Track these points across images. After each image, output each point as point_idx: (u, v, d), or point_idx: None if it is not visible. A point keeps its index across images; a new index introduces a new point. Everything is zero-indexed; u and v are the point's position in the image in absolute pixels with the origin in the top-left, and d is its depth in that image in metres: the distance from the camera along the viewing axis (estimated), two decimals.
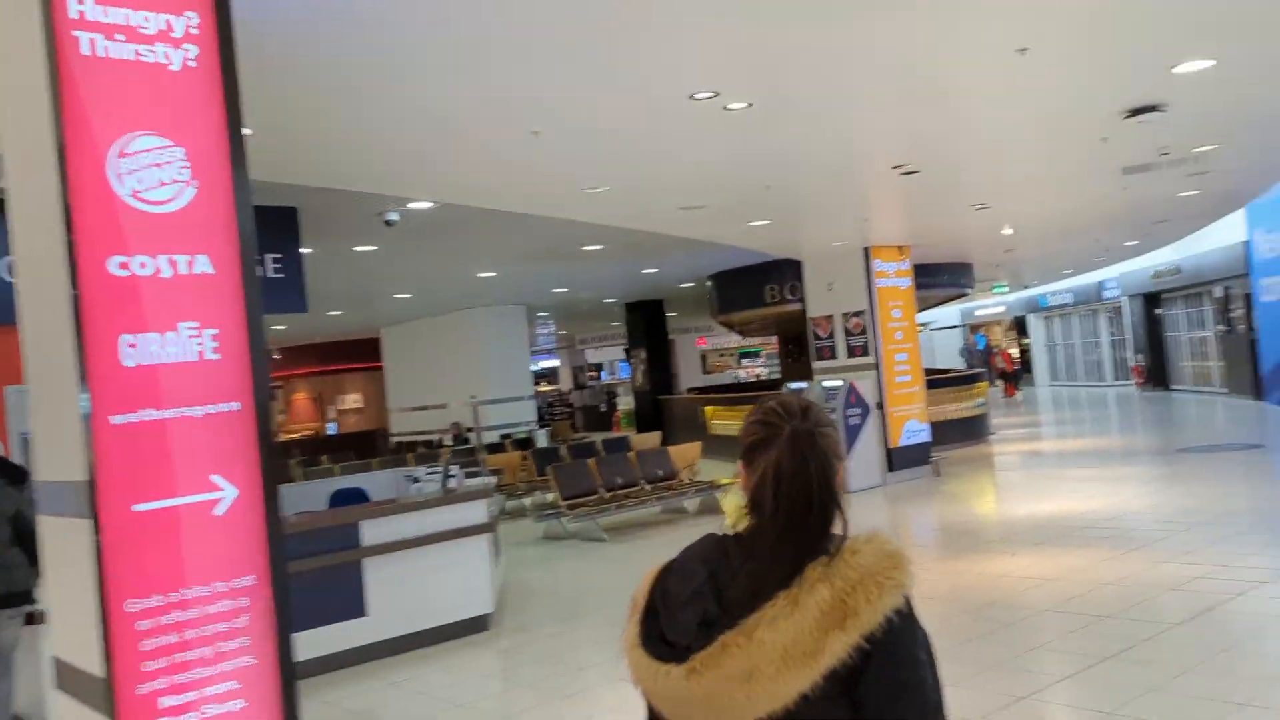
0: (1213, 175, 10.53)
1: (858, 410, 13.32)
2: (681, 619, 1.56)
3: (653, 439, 16.09)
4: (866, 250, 13.66)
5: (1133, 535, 8.70)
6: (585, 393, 38.56)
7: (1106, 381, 30.70)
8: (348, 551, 6.70)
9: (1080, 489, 11.80)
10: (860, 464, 13.20)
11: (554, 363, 43.86)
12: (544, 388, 43.76)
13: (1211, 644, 5.68)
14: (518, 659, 7.01)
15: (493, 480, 8.98)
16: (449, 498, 7.38)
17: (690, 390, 25.28)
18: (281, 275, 8.21)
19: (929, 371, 22.88)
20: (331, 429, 27.14)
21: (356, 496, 8.42)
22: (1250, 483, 11.49)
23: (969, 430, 17.42)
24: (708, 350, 38.02)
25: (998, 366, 32.84)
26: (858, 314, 13.83)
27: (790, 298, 16.20)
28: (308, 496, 8.43)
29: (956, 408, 17.17)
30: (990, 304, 36.38)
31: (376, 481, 9.21)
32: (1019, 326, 36.49)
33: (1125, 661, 5.44)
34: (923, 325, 41.29)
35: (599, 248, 12.95)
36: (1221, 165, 10.00)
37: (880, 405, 13.61)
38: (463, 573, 7.26)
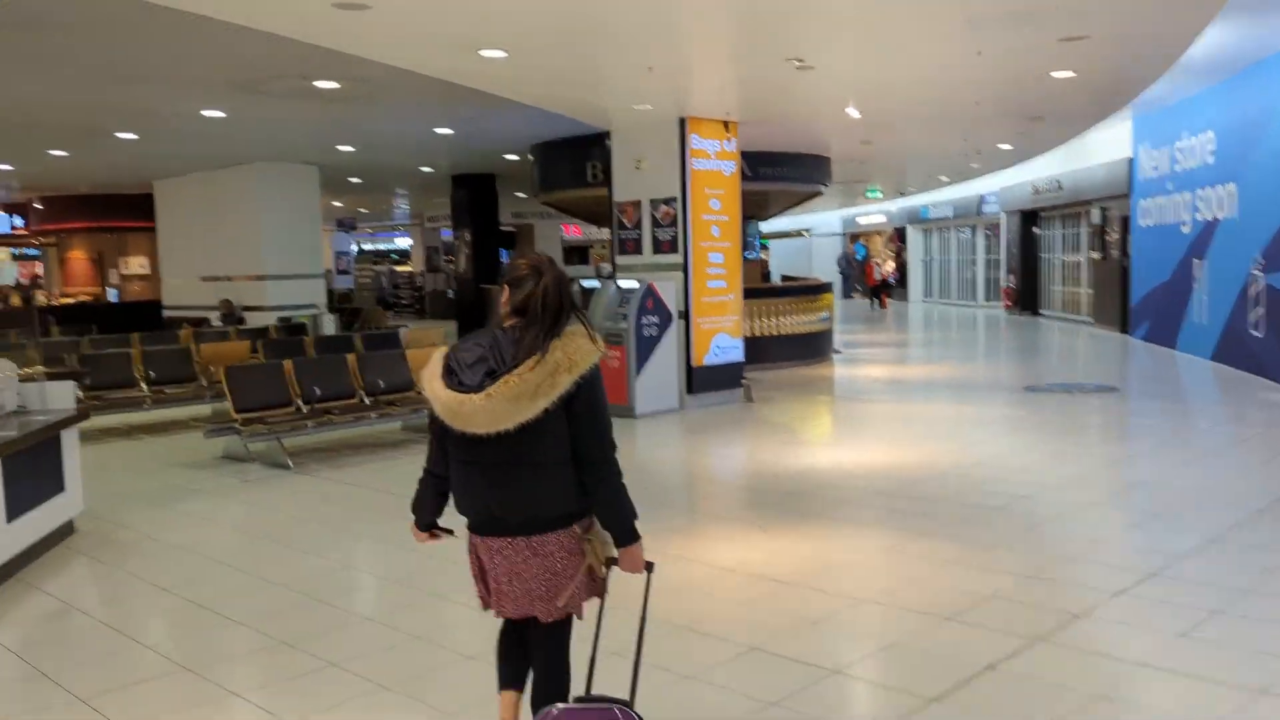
0: (1091, 48, 8.22)
1: (654, 319, 10.93)
2: (473, 370, 2.70)
3: (432, 335, 13.45)
4: (682, 122, 11.08)
5: (923, 511, 6.58)
6: (438, 276, 35.31)
7: (978, 302, 29.20)
8: None
9: (899, 431, 9.72)
10: (651, 384, 10.88)
11: (407, 242, 40.54)
12: (403, 269, 40.53)
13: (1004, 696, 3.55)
14: None
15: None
16: None
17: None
18: None
19: (785, 280, 20.91)
20: (113, 296, 23.67)
21: None
22: (1090, 437, 9.58)
23: (808, 348, 15.30)
24: (584, 241, 35.12)
25: (873, 278, 31.06)
26: (668, 201, 11.32)
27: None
28: None
29: (794, 321, 15.00)
30: (872, 210, 34.44)
31: None
32: (900, 237, 34.73)
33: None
34: (805, 230, 39.60)
35: (332, 84, 10.05)
36: (1103, 30, 7.68)
37: (685, 314, 11.24)
38: None
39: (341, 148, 15.35)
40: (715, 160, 11.39)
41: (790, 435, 9.93)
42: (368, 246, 44.34)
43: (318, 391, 8.99)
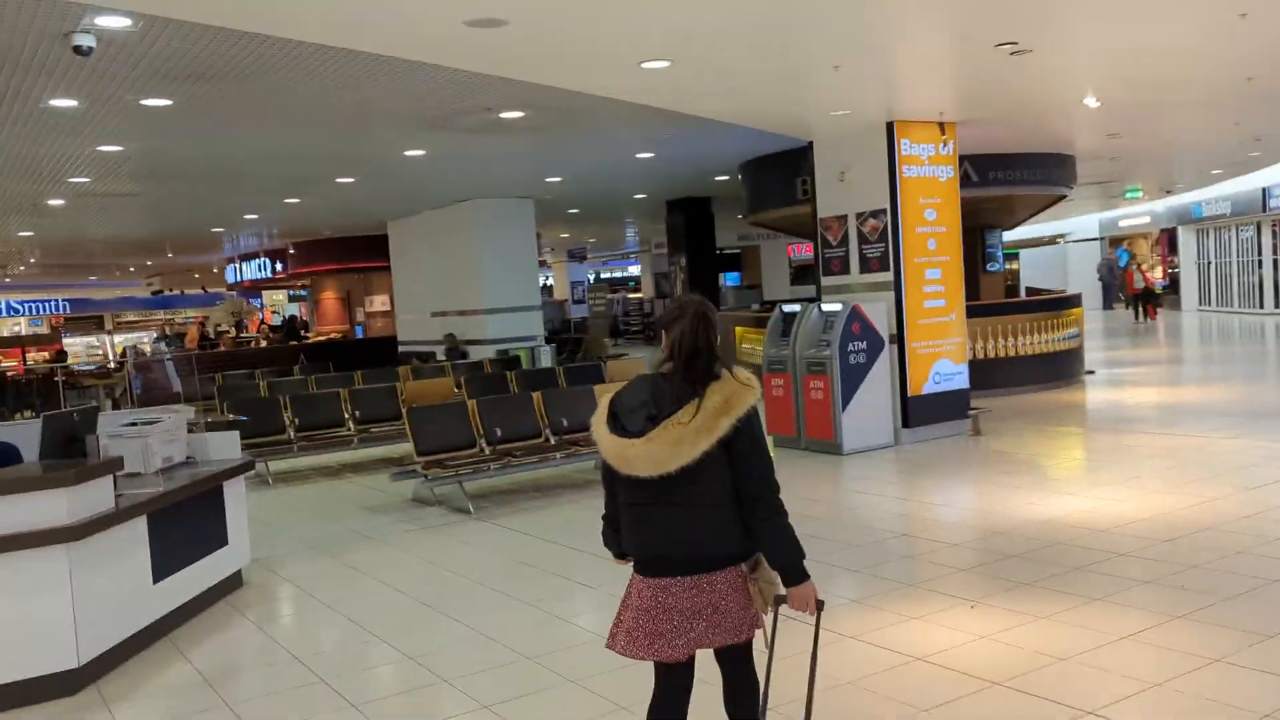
0: None
1: (862, 345, 9.87)
2: (634, 415, 2.78)
3: (638, 367, 12.98)
4: (890, 126, 10.00)
5: (1197, 583, 5.24)
6: (666, 302, 35.30)
7: (1266, 309, 25.59)
8: None
9: (1167, 472, 8.14)
10: (861, 418, 9.82)
11: (636, 269, 40.82)
12: (635, 295, 40.86)
13: None
14: None
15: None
16: (4, 481, 4.60)
17: (739, 306, 21.91)
18: None
19: (1032, 293, 18.81)
20: (359, 332, 25.03)
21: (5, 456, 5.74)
22: None
23: (1052, 369, 13.63)
24: (808, 260, 34.01)
25: (1134, 286, 27.97)
26: (875, 214, 10.25)
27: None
28: None
29: (1036, 339, 13.38)
30: (1136, 212, 31.13)
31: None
32: (1170, 241, 31.16)
33: None
34: (1059, 236, 36.42)
35: (518, 114, 9.77)
36: None
37: (898, 339, 10.11)
38: (22, 611, 4.51)
39: (549, 179, 15.27)
40: (929, 166, 10.21)
41: (1025, 477, 8.57)
42: (606, 275, 45.29)
43: (498, 432, 8.63)
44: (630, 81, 7.59)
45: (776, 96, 8.95)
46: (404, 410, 8.57)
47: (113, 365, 22.33)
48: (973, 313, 11.72)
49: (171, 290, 40.91)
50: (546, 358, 17.13)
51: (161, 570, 5.43)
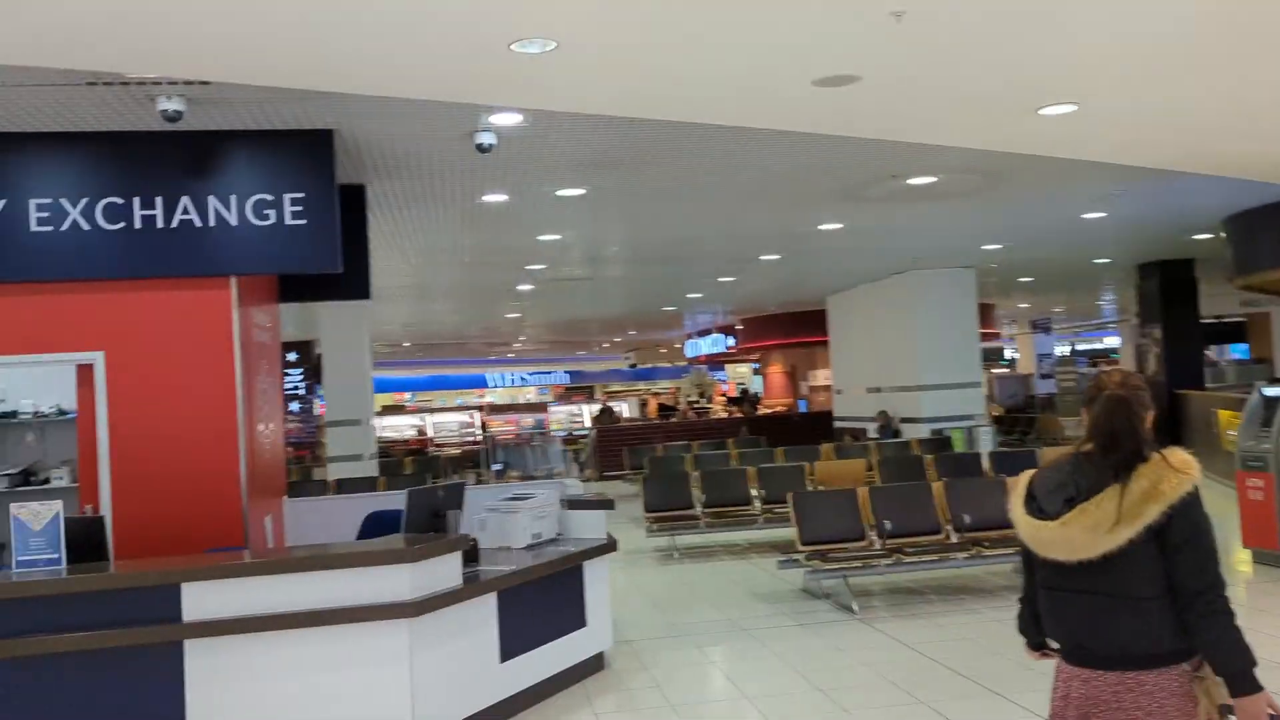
0: None
1: None
2: (1053, 497, 2.67)
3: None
4: None
5: None
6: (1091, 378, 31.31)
7: None
8: (156, 626, 4.59)
9: None
10: None
11: (1115, 340, 36.65)
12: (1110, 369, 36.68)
13: None
14: None
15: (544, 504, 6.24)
16: (348, 555, 4.90)
17: (1239, 383, 18.57)
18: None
19: None
20: (802, 406, 25.07)
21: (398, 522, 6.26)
22: None
23: None
24: None
25: None
26: None
27: None
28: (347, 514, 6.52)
29: None
30: None
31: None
32: None
33: None
34: None
35: (929, 180, 9.06)
36: None
37: None
38: (362, 682, 4.75)
39: (986, 247, 14.14)
40: None
41: None
42: (1083, 347, 41.53)
43: (887, 525, 7.86)
44: (1025, 129, 6.61)
45: (1244, 135, 7.35)
46: (790, 496, 8.11)
47: (581, 433, 24.49)
48: None
49: (645, 364, 44.40)
50: (986, 439, 15.72)
51: (511, 649, 5.50)
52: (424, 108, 6.09)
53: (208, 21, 4.31)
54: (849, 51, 4.82)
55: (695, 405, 32.36)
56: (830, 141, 7.35)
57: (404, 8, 4.21)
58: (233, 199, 6.27)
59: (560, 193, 8.84)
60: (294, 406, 23.27)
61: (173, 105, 5.63)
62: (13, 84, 5.29)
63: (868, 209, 10.54)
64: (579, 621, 6.15)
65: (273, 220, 6.31)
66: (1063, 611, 2.71)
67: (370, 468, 14.93)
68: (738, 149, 7.58)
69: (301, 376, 22.60)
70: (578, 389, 42.48)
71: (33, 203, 6.07)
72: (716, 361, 34.93)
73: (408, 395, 39.74)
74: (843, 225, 11.52)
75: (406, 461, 18.01)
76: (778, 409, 25.60)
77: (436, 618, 4.93)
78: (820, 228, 11.61)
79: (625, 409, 30.96)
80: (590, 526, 6.49)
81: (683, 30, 4.52)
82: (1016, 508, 2.79)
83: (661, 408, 30.59)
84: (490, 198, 8.94)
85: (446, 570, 5.07)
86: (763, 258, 13.98)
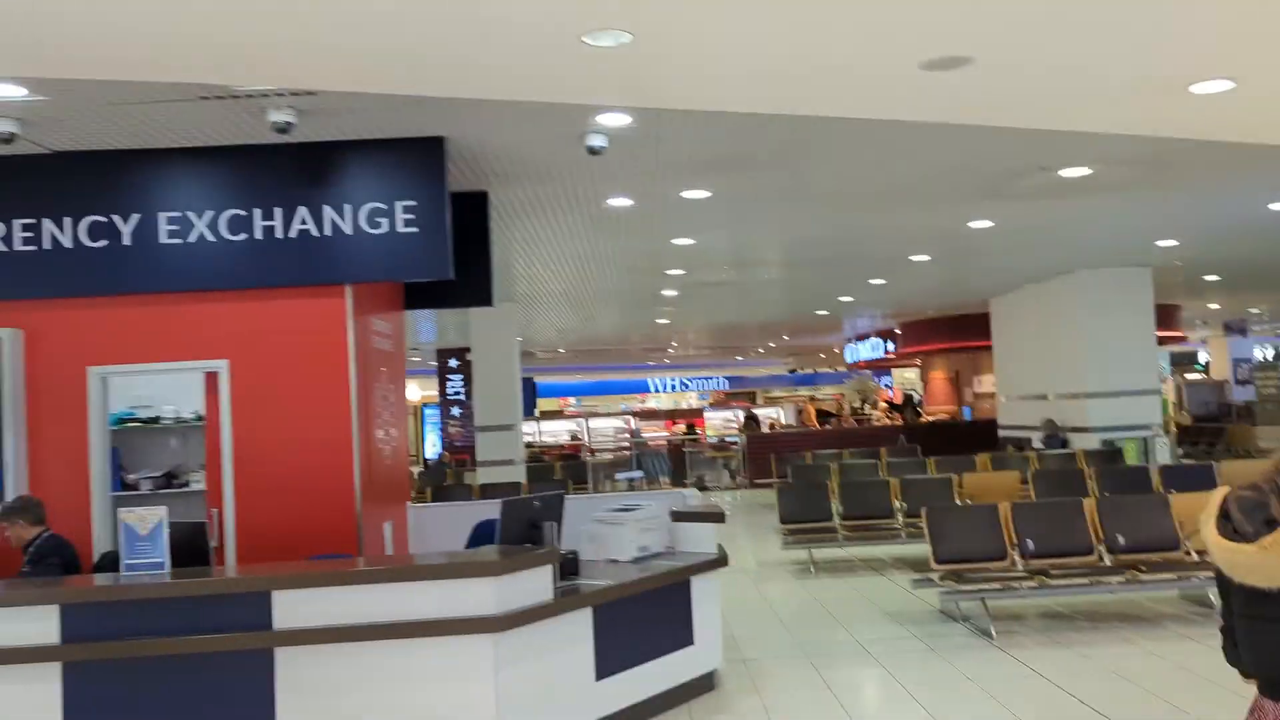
0: None
1: None
2: (1250, 517, 2.37)
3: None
4: None
5: None
6: None
7: None
8: (248, 633, 4.63)
9: None
10: None
11: None
12: None
13: None
14: None
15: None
16: (431, 567, 4.80)
17: None
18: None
19: None
20: (966, 414, 23.86)
21: None
22: None
23: None
24: None
25: None
26: None
27: None
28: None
29: None
30: None
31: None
32: None
33: None
34: None
35: (1083, 171, 8.34)
36: None
37: None
38: (448, 696, 4.65)
39: (1160, 243, 12.99)
40: None
41: None
42: None
43: (1030, 545, 7.23)
44: (1174, 110, 5.91)
45: None
46: (924, 510, 7.60)
47: (732, 439, 24.17)
48: None
49: (803, 370, 43.59)
50: (1163, 451, 14.48)
51: (608, 667, 5.31)
52: (529, 111, 6.00)
53: (318, 33, 4.32)
54: (958, 30, 4.38)
55: (857, 412, 31.46)
56: (968, 133, 6.83)
57: (475, 4, 4.09)
58: (347, 208, 6.36)
59: (685, 195, 8.62)
60: (454, 411, 23.99)
61: (282, 117, 5.73)
62: (134, 101, 5.51)
63: (1019, 205, 9.83)
64: (685, 639, 5.90)
65: (385, 229, 6.36)
66: (1260, 642, 2.47)
67: (519, 473, 15.13)
68: (865, 145, 7.17)
69: (463, 382, 23.27)
70: (737, 394, 42.14)
71: (162, 216, 6.32)
72: (880, 367, 33.85)
73: (573, 400, 40.41)
74: (994, 223, 10.80)
75: (556, 467, 18.19)
76: (940, 416, 24.50)
77: (524, 633, 4.79)
78: (970, 225, 10.92)
79: (780, 415, 30.41)
80: (700, 540, 6.24)
81: (771, 15, 4.21)
82: (1207, 526, 2.53)
83: (820, 414, 29.86)
84: (615, 202, 8.81)
85: (536, 584, 4.92)
86: (913, 259, 13.33)
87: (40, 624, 4.64)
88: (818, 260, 13.20)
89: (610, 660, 5.32)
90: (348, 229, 6.36)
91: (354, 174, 6.40)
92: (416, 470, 20.23)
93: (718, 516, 6.28)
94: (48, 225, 6.33)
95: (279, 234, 6.34)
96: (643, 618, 5.59)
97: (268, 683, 4.64)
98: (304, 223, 6.36)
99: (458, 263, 6.80)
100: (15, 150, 6.04)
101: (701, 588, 6.05)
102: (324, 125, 6.07)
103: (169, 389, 7.78)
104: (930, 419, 24.47)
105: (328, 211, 6.37)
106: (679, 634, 5.87)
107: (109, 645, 4.59)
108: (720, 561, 6.16)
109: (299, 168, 6.37)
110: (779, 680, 6.30)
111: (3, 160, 6.25)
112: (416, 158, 6.48)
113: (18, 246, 6.32)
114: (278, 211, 6.35)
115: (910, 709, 5.64)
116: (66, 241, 6.32)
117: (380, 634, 4.59)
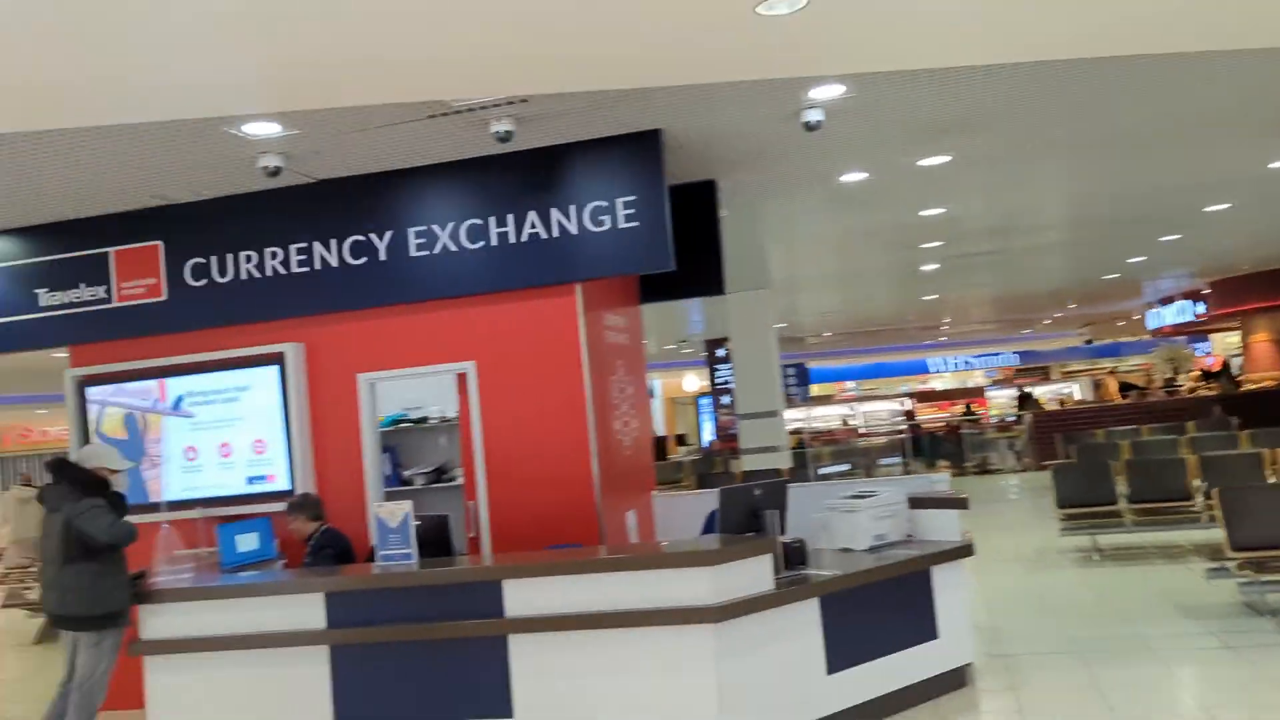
0: None
1: None
2: None
3: None
4: None
5: None
6: None
7: None
8: (483, 620, 4.85)
9: None
10: None
11: None
12: None
13: None
14: None
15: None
16: (647, 558, 4.80)
17: None
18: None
19: None
20: None
21: None
22: None
23: None
24: None
25: None
26: None
27: None
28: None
29: None
30: None
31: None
32: None
33: None
34: None
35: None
36: None
37: None
38: (670, 685, 4.65)
39: None
40: None
41: None
42: None
43: None
44: None
45: None
46: (1217, 491, 6.73)
47: (1012, 418, 22.73)
48: None
49: (1100, 340, 40.18)
50: None
51: (839, 661, 5.12)
52: (737, 92, 5.89)
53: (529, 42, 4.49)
54: None
55: (1169, 383, 28.53)
56: (1251, 60, 5.98)
57: None
58: (572, 209, 6.54)
59: (922, 163, 8.15)
60: (725, 400, 24.19)
61: (503, 126, 5.97)
62: (372, 126, 5.95)
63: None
64: (929, 633, 5.58)
65: (608, 225, 6.47)
66: None
67: (784, 459, 14.98)
68: (1109, 88, 6.44)
69: (730, 370, 23.42)
70: (1028, 370, 39.59)
71: (411, 231, 6.79)
72: (1191, 332, 30.49)
73: (851, 384, 39.61)
74: None
75: (824, 453, 17.89)
76: (1266, 383, 21.70)
77: (745, 623, 4.71)
78: (1271, 165, 9.58)
79: (1075, 391, 28.11)
80: (942, 528, 5.87)
81: None
82: None
83: (1123, 386, 27.37)
84: (848, 177, 8.48)
85: (755, 574, 4.82)
86: (1207, 209, 11.88)
87: (310, 610, 5.12)
88: (1091, 220, 12.09)
89: (842, 653, 5.13)
90: (573, 229, 6.54)
91: (576, 175, 6.56)
92: (692, 459, 20.57)
93: (959, 502, 5.88)
94: (317, 247, 6.97)
95: (512, 239, 6.62)
96: (878, 609, 5.35)
97: (503, 667, 4.86)
98: (534, 226, 6.60)
99: (687, 253, 6.82)
100: (283, 182, 6.71)
101: (945, 578, 5.69)
102: (543, 130, 6.27)
103: (435, 391, 8.35)
104: (1251, 387, 21.75)
105: (554, 214, 6.57)
106: (921, 627, 5.56)
107: (366, 630, 4.99)
108: (966, 550, 5.77)
109: (526, 174, 6.63)
110: (1041, 678, 5.81)
111: (275, 192, 6.96)
112: (634, 152, 6.54)
113: (295, 269, 7.01)
114: (509, 218, 6.64)
115: (1191, 713, 5.02)
116: (333, 261, 6.93)
117: (599, 623, 4.69)
